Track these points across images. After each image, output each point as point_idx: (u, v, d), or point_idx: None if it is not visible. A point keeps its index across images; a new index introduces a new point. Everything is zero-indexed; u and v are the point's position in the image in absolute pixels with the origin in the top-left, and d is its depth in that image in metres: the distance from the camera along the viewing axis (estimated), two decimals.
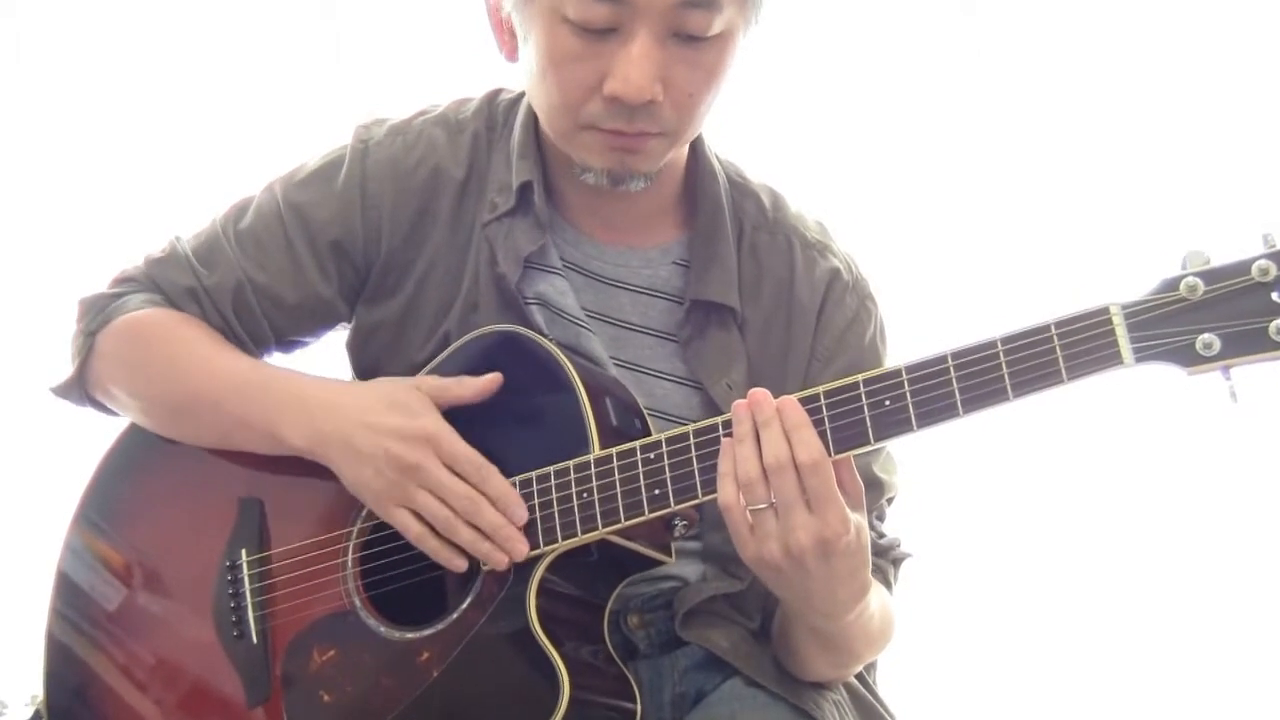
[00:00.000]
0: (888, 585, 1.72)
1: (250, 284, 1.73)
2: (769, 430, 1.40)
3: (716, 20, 1.50)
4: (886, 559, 1.73)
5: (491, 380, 1.59)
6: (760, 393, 1.43)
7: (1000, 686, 2.93)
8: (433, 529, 1.55)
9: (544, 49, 1.53)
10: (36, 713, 1.77)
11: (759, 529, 1.41)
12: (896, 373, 1.39)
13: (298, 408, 1.63)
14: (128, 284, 1.79)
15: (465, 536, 1.53)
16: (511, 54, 1.62)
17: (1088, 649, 2.97)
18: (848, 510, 1.40)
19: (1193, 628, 2.94)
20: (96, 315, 1.76)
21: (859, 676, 1.75)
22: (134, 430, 1.80)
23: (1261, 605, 2.90)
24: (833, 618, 1.50)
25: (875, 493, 1.71)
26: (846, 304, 1.74)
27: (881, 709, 1.74)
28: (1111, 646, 2.96)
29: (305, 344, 1.82)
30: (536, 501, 1.52)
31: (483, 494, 1.53)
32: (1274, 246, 1.27)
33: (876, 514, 1.74)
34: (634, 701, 1.58)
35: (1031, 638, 2.95)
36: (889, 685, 1.80)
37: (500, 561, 1.52)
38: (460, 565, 1.55)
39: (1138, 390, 1.42)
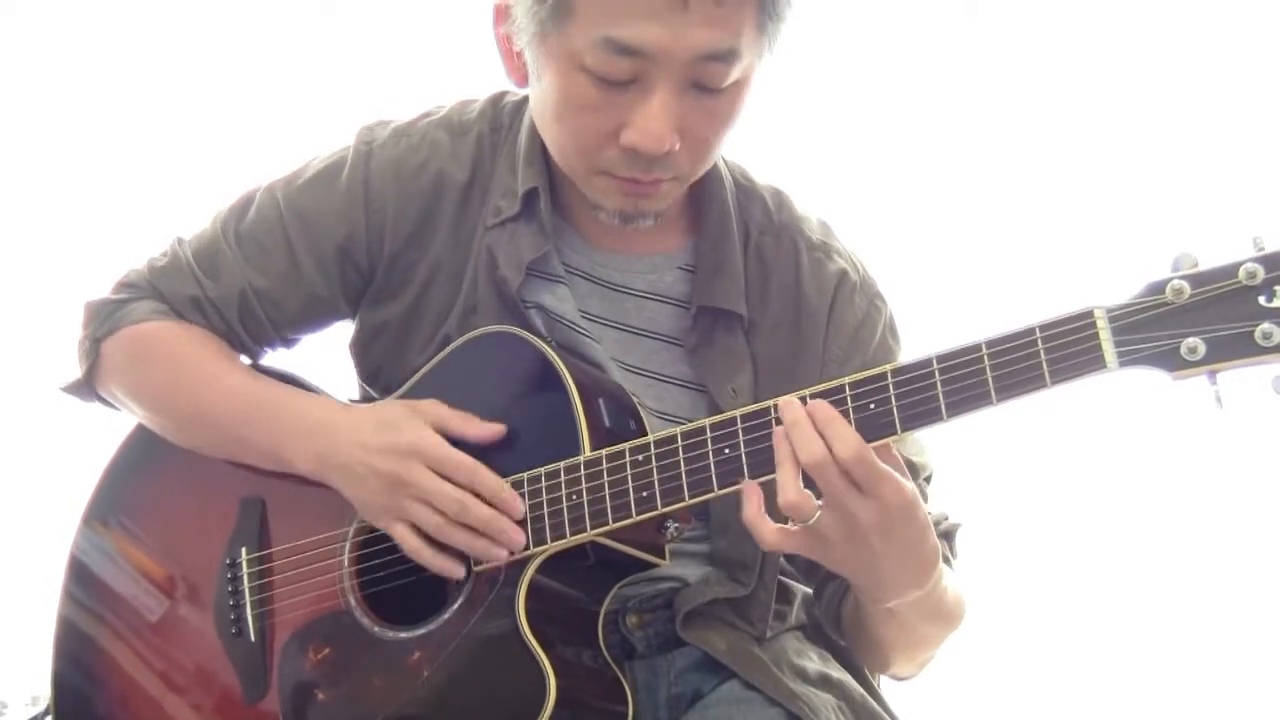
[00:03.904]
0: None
1: (253, 291, 1.74)
2: (801, 430, 1.38)
3: (735, 69, 1.48)
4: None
5: (497, 430, 1.58)
6: (785, 400, 1.41)
7: (1003, 690, 2.93)
8: (431, 540, 1.56)
9: (559, 95, 1.51)
10: (45, 710, 1.78)
11: (815, 532, 1.39)
12: (882, 376, 1.38)
13: (300, 432, 1.63)
14: (131, 289, 1.79)
15: (460, 539, 1.53)
16: (521, 82, 1.61)
17: (1089, 651, 2.98)
18: (900, 479, 1.38)
19: (1185, 631, 2.94)
20: (103, 322, 1.77)
21: (864, 682, 1.75)
22: (143, 429, 1.81)
23: (1250, 607, 2.90)
24: (907, 589, 1.48)
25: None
26: (856, 304, 1.73)
27: (885, 714, 1.73)
28: (1112, 648, 2.96)
29: (306, 338, 1.83)
30: (527, 503, 1.53)
31: (476, 493, 1.53)
32: (1262, 250, 1.26)
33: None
34: (625, 704, 1.58)
35: (1035, 641, 2.95)
36: (890, 689, 1.80)
37: (499, 556, 1.52)
38: (458, 572, 1.56)
39: (1127, 395, 1.41)
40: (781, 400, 1.41)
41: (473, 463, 1.54)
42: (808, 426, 1.37)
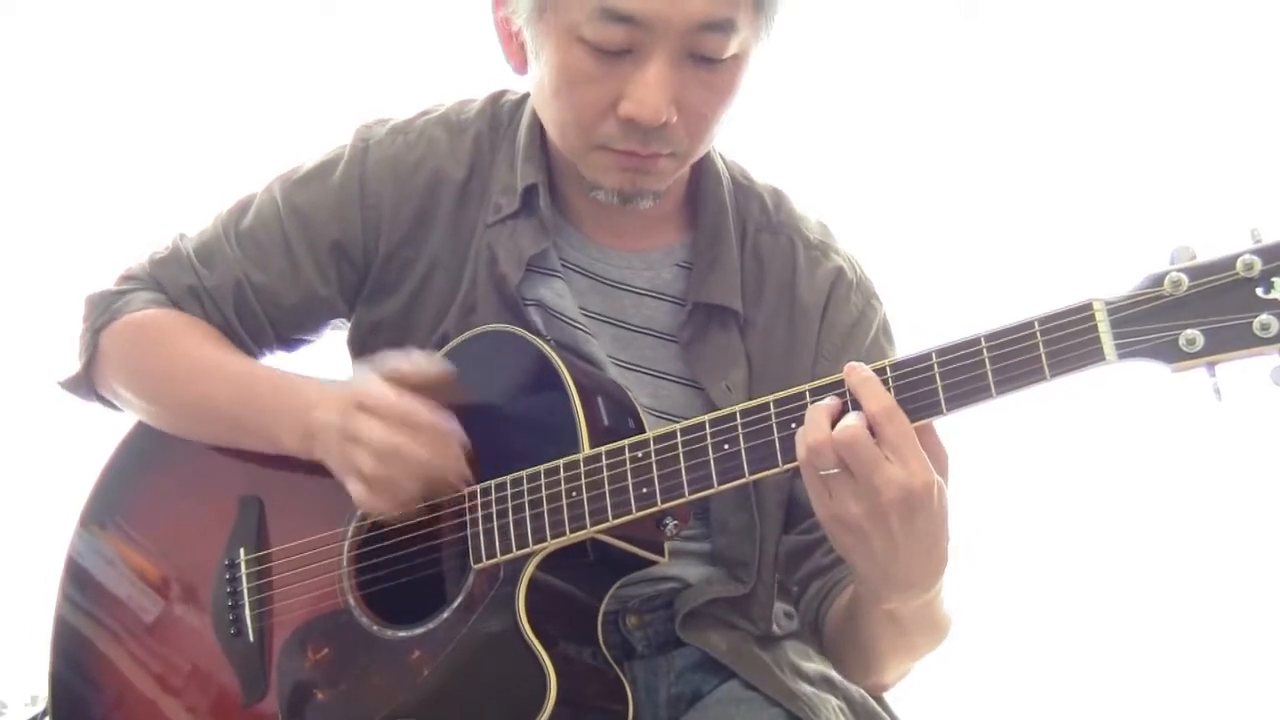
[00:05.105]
0: None
1: (250, 284, 1.74)
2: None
3: (733, 41, 1.49)
4: None
5: (441, 367, 1.58)
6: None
7: (1003, 690, 2.93)
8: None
9: (557, 68, 1.52)
10: (43, 711, 1.78)
11: (836, 489, 1.36)
12: (881, 370, 1.37)
13: (291, 411, 1.63)
14: (132, 282, 1.80)
15: (412, 490, 1.53)
16: (521, 67, 1.61)
17: (1088, 648, 2.97)
18: (928, 463, 1.35)
19: (1184, 627, 2.94)
20: (102, 313, 1.77)
21: None
22: (140, 429, 1.81)
23: (1250, 602, 2.90)
24: (912, 590, 1.45)
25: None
26: (851, 303, 1.74)
27: (885, 714, 1.72)
28: (1111, 645, 2.96)
29: (307, 341, 1.83)
30: (526, 500, 1.52)
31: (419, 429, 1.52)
32: (1260, 241, 1.25)
33: None
34: (625, 703, 1.58)
35: (1034, 640, 2.95)
36: (891, 690, 1.80)
37: (443, 493, 1.53)
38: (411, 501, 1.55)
39: (1126, 387, 1.41)
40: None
41: (406, 403, 1.52)
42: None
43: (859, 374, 1.36)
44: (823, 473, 1.36)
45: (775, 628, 1.72)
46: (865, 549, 1.39)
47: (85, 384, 1.81)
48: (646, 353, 1.70)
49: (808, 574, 1.71)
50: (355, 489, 1.54)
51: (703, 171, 1.72)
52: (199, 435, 1.75)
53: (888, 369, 1.37)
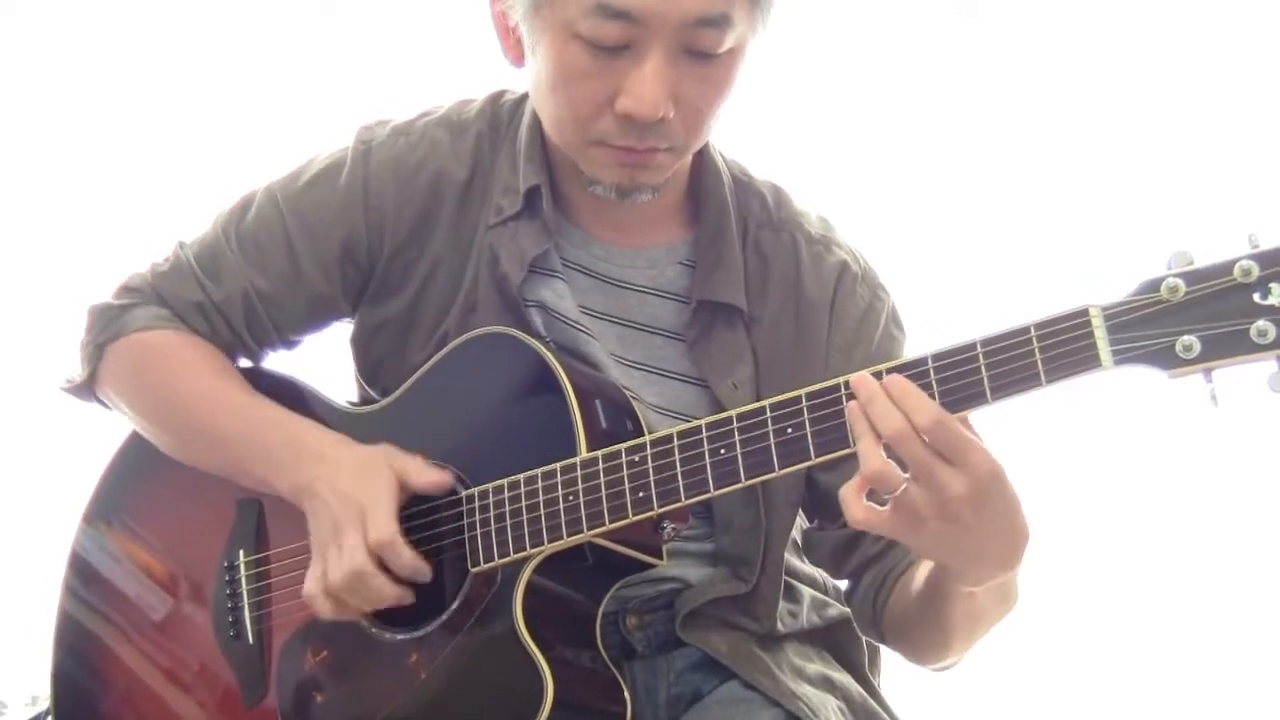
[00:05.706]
0: None
1: (256, 293, 1.73)
2: (877, 405, 1.33)
3: (728, 36, 1.49)
4: None
5: (443, 479, 1.58)
6: (858, 377, 1.36)
7: (1002, 690, 2.93)
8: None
9: (554, 64, 1.52)
10: (45, 711, 1.79)
11: (906, 509, 1.33)
12: (877, 375, 1.36)
13: (288, 461, 1.63)
14: (134, 294, 1.79)
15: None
16: (518, 60, 1.61)
17: (1087, 651, 2.97)
18: (986, 448, 1.33)
19: (1181, 631, 2.94)
20: (106, 327, 1.77)
21: (864, 682, 1.75)
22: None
23: (1247, 607, 2.90)
24: (999, 569, 1.43)
25: None
26: (859, 295, 1.73)
27: (885, 714, 1.73)
28: (1110, 648, 2.96)
29: (307, 339, 1.83)
30: (524, 504, 1.52)
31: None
32: (1257, 247, 1.24)
33: None
34: (623, 704, 1.58)
35: (1033, 640, 2.95)
36: (890, 691, 1.80)
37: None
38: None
39: (1122, 393, 1.41)
40: (854, 376, 1.36)
41: (396, 547, 1.53)
42: (884, 399, 1.33)
43: (900, 386, 1.33)
44: (890, 496, 1.34)
45: (779, 625, 1.72)
46: (946, 545, 1.38)
47: (87, 391, 1.81)
48: (653, 352, 1.70)
49: (859, 565, 1.70)
50: (311, 584, 1.55)
51: (703, 169, 1.72)
52: (196, 463, 1.75)
53: (883, 374, 1.36)
